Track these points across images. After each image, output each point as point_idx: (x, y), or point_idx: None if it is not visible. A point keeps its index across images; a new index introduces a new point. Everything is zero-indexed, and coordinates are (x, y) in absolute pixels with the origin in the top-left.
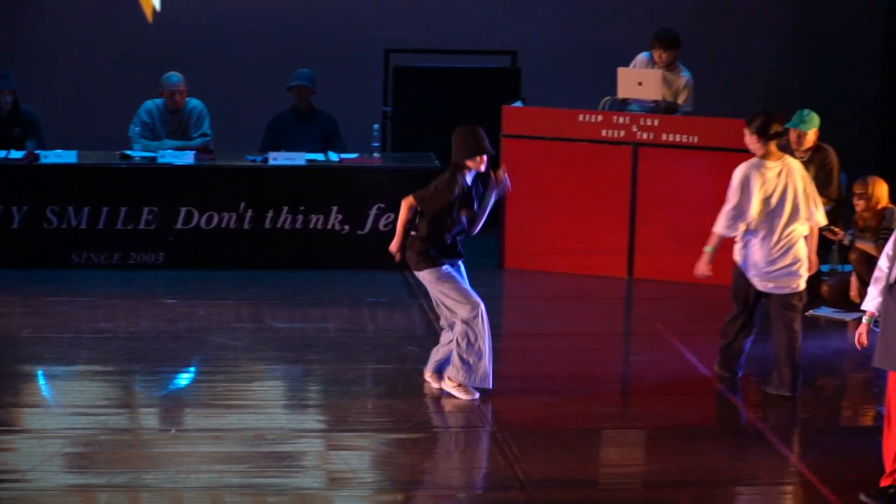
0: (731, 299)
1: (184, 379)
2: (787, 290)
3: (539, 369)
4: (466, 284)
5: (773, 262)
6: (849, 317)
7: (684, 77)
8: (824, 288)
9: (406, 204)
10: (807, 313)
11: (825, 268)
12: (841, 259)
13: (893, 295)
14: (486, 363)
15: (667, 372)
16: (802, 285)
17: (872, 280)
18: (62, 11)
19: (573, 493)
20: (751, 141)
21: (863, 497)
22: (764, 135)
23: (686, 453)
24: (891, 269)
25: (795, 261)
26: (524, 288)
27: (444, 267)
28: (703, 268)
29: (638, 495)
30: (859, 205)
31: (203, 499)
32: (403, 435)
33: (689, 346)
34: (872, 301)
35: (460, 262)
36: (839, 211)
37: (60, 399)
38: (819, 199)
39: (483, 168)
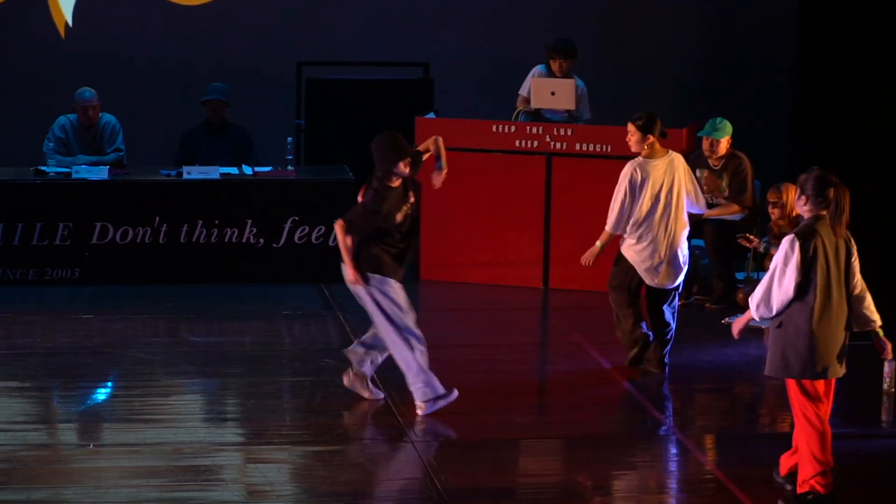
0: (612, 290)
1: (101, 394)
2: (670, 286)
3: (456, 380)
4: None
5: (661, 257)
6: (766, 324)
7: (581, 86)
8: (740, 296)
9: (338, 227)
10: (723, 321)
11: (741, 275)
12: (756, 267)
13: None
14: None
15: (584, 381)
16: (682, 279)
17: None
18: None
19: (493, 502)
20: (637, 139)
21: None
22: (651, 132)
23: (604, 462)
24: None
25: (683, 255)
26: (440, 299)
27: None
28: (588, 257)
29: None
30: (774, 213)
31: None
32: (321, 447)
33: (605, 356)
34: None
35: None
36: (754, 218)
37: None
38: (699, 190)
39: (408, 171)
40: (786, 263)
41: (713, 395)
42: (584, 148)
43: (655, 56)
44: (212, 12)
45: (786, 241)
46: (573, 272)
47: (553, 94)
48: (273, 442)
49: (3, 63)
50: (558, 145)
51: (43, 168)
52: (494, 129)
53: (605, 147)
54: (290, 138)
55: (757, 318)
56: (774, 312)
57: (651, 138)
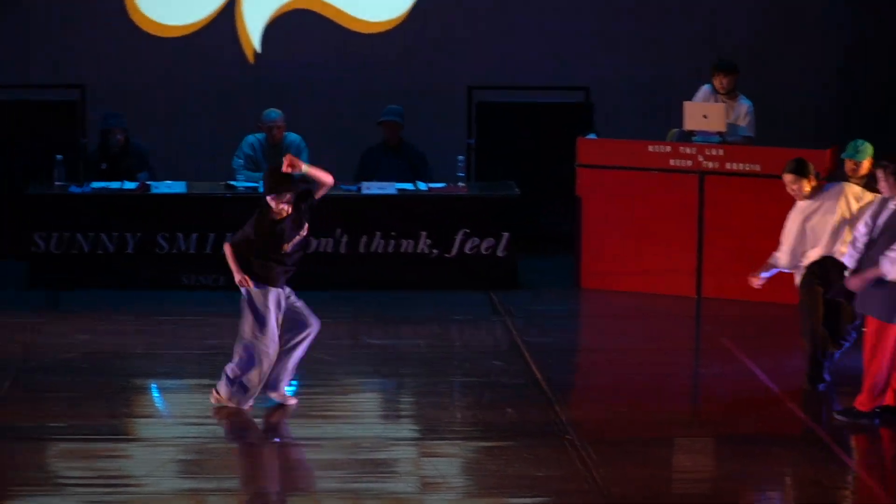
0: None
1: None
2: None
3: (613, 381)
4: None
5: None
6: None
7: (745, 104)
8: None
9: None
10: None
11: None
12: None
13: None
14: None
15: (733, 384)
16: None
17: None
18: (172, 54)
19: (648, 495)
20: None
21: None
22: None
23: (751, 459)
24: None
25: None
26: (599, 306)
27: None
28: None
29: (707, 498)
30: None
31: (305, 503)
32: (490, 443)
33: (754, 361)
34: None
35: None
36: None
37: (172, 410)
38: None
39: (284, 207)
40: None
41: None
42: (735, 167)
43: (797, 80)
44: (389, 40)
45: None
46: (724, 282)
47: (705, 116)
48: (445, 437)
49: (198, 86)
50: (710, 164)
51: (232, 183)
52: (650, 148)
53: (753, 166)
54: (461, 156)
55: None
56: None
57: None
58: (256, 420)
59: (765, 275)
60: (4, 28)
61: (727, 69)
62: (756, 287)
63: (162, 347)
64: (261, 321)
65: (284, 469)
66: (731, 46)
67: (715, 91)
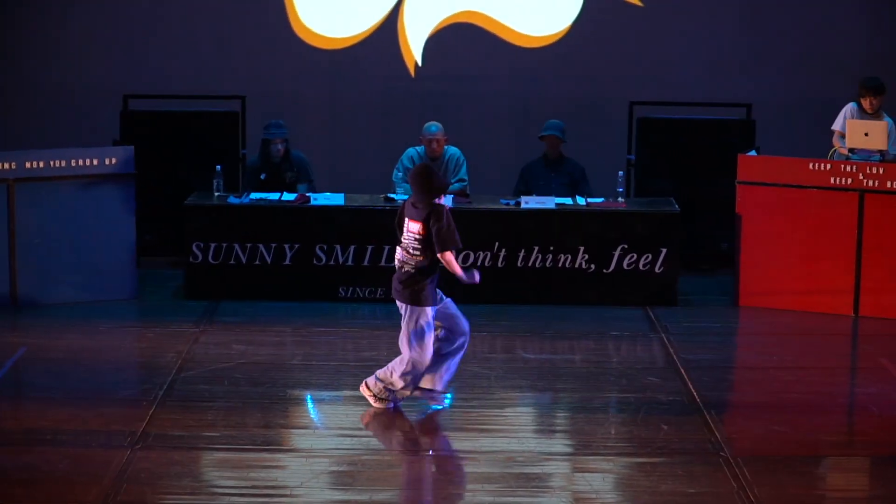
0: None
1: (440, 404)
2: None
3: (769, 399)
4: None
5: None
6: None
7: (888, 122)
8: None
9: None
10: None
11: None
12: None
13: None
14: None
15: (891, 404)
16: None
17: None
18: (334, 66)
19: None
20: None
21: None
22: None
23: None
24: None
25: None
26: (757, 324)
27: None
28: None
29: None
30: None
31: None
32: (644, 459)
33: None
34: None
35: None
36: None
37: (326, 421)
38: None
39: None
40: None
41: None
42: None
43: None
44: (551, 54)
45: None
46: (883, 301)
47: (867, 134)
48: (599, 453)
49: (358, 98)
50: (871, 183)
51: (392, 196)
52: (811, 166)
53: None
54: (620, 172)
55: None
56: None
57: None
58: (410, 432)
59: None
60: (167, 40)
61: (877, 89)
62: None
63: (318, 359)
64: (420, 334)
65: (437, 482)
66: (890, 62)
67: (861, 109)
